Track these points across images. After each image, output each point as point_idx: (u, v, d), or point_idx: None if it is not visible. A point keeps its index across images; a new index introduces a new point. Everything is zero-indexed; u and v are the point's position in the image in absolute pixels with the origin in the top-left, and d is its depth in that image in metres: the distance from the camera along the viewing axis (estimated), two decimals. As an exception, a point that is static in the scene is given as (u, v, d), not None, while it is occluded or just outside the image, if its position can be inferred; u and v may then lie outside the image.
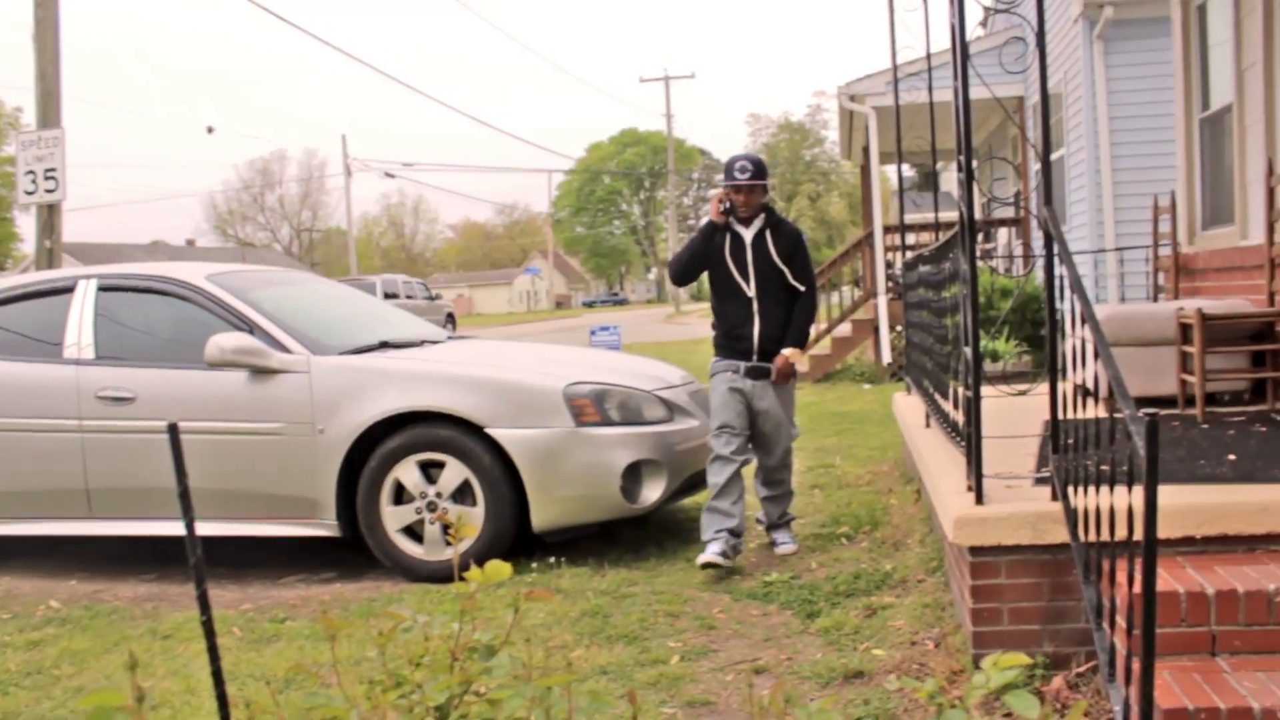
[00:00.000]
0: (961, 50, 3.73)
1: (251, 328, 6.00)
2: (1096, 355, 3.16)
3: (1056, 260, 3.71)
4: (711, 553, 5.35)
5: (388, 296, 31.12)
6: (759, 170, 5.66)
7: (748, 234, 5.65)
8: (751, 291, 5.62)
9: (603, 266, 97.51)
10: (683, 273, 5.86)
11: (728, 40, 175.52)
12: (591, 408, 5.71)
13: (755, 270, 5.62)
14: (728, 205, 5.65)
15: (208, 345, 5.83)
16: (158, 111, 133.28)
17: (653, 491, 5.80)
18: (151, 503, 5.92)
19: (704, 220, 5.82)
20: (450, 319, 36.54)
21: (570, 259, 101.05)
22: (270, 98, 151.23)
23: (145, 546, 6.35)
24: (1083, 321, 3.35)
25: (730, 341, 5.69)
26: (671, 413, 5.99)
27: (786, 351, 5.63)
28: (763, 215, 5.69)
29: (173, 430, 1.87)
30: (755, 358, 5.62)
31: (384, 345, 6.35)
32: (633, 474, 5.73)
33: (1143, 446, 2.48)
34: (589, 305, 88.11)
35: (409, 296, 33.97)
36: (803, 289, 5.71)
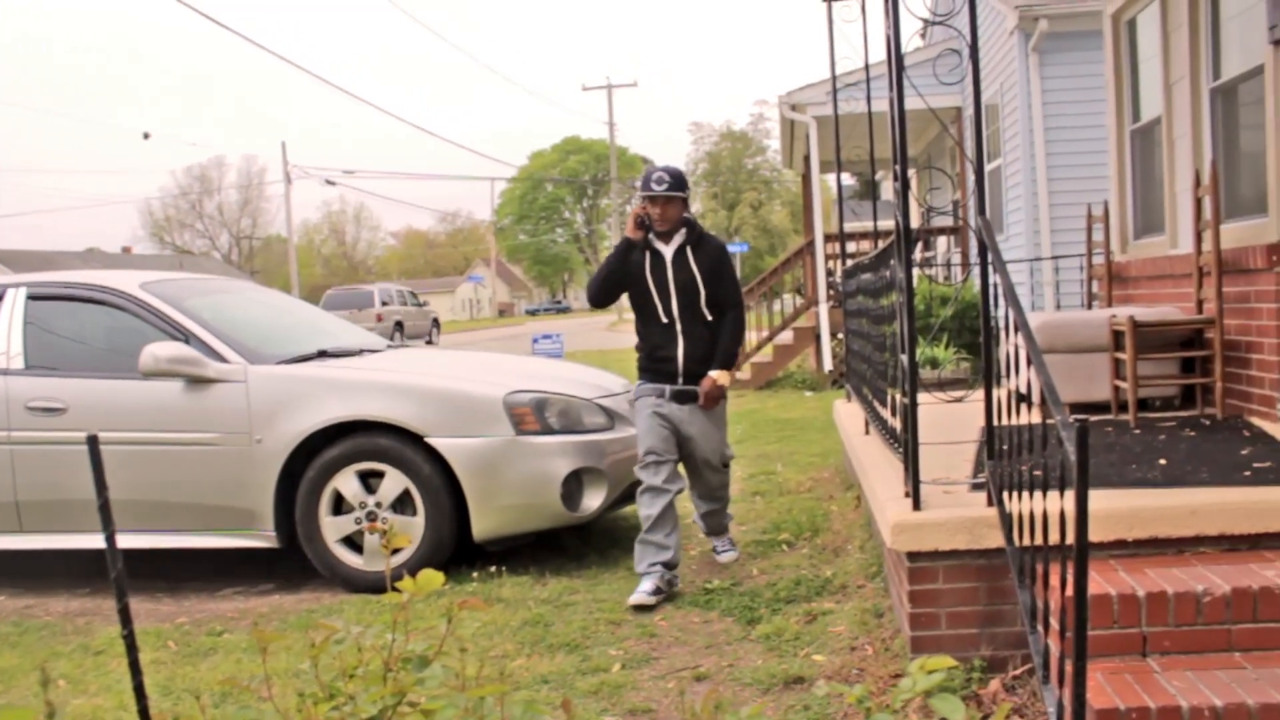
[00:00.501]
0: (897, 62, 3.77)
1: (187, 337, 5.92)
2: (1030, 362, 3.20)
3: (991, 269, 3.76)
4: (643, 593, 5.08)
5: (384, 304, 33.69)
6: (677, 182, 5.30)
7: (667, 250, 5.34)
8: (674, 311, 5.33)
9: (546, 274, 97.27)
10: (599, 294, 5.50)
11: (671, 49, 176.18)
12: (532, 416, 5.70)
13: (677, 289, 5.31)
14: (645, 220, 5.33)
15: (142, 355, 5.74)
16: (92, 116, 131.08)
17: (594, 499, 5.80)
18: (84, 516, 5.81)
19: (621, 239, 5.45)
20: (435, 324, 38.60)
21: (513, 267, 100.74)
22: (209, 103, 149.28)
23: (78, 561, 6.22)
24: (1016, 329, 3.40)
25: (654, 364, 5.40)
26: (612, 420, 5.99)
27: (713, 374, 5.34)
28: (683, 230, 5.36)
29: (92, 442, 1.84)
30: (680, 380, 5.34)
31: (323, 354, 6.29)
32: (574, 482, 5.72)
33: (1073, 452, 2.52)
34: (532, 313, 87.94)
35: (402, 303, 35.87)
36: (729, 307, 5.42)
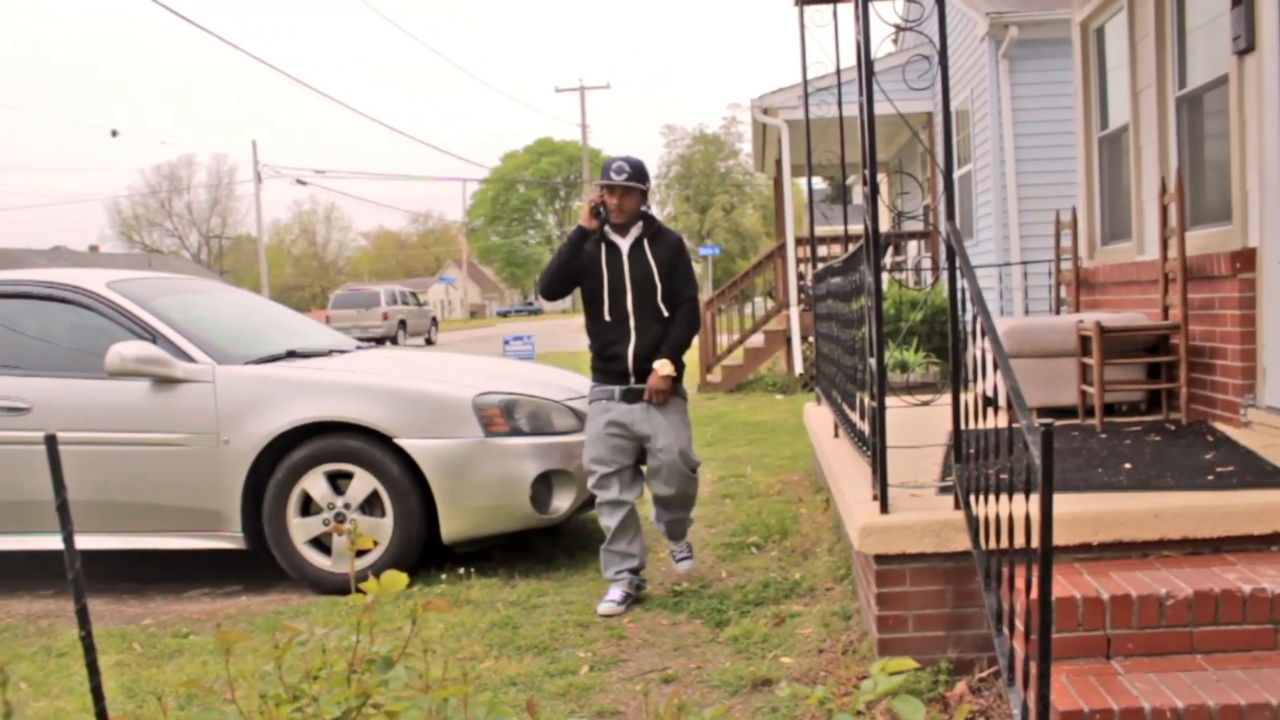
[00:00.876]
0: (866, 67, 3.79)
1: (154, 336, 5.87)
2: (996, 366, 3.23)
3: (959, 274, 3.78)
4: (611, 602, 5.07)
5: (390, 304, 36.52)
6: (637, 173, 5.13)
7: (624, 243, 5.17)
8: (628, 307, 5.14)
9: (517, 276, 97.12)
10: (552, 285, 5.27)
11: (644, 52, 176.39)
12: (501, 418, 5.69)
13: (633, 284, 5.13)
14: (600, 210, 5.16)
15: (108, 354, 5.69)
16: (58, 113, 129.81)
17: (563, 501, 5.80)
18: (48, 516, 5.75)
19: (574, 228, 5.26)
20: (434, 322, 41.00)
21: (485, 268, 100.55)
22: (178, 102, 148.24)
23: (41, 562, 6.17)
24: (983, 334, 3.42)
25: (604, 362, 5.22)
26: (582, 422, 5.98)
27: (657, 364, 5.10)
28: (640, 223, 5.20)
29: (50, 442, 1.82)
30: (632, 380, 5.16)
31: (291, 355, 6.26)
32: (543, 484, 5.72)
33: (1038, 456, 2.54)
34: (504, 315, 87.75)
35: (404, 304, 38.15)
36: (682, 301, 5.23)
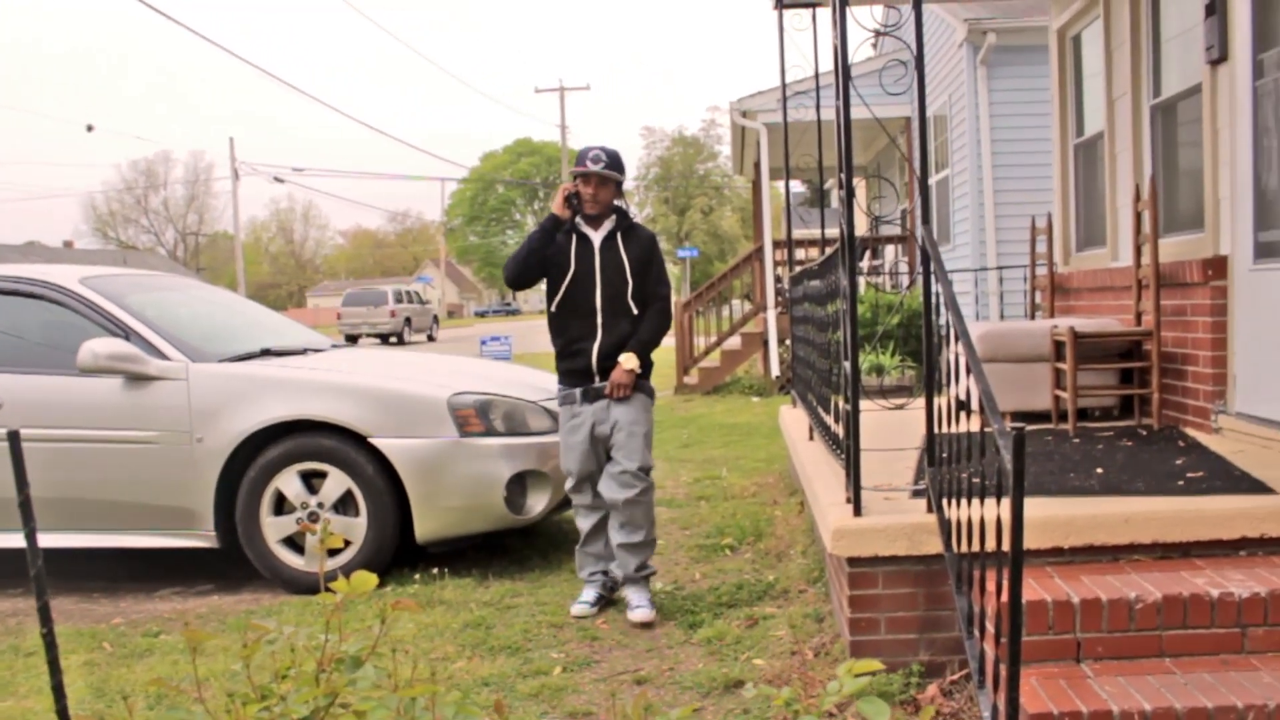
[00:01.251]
0: (843, 72, 3.81)
1: (128, 333, 5.84)
2: (969, 371, 3.24)
3: (934, 278, 3.80)
4: (584, 604, 5.04)
5: (397, 302, 38.70)
6: (613, 162, 4.97)
7: (596, 236, 4.98)
8: (597, 302, 4.95)
9: (495, 276, 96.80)
10: (520, 273, 5.03)
11: (624, 53, 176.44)
12: (476, 418, 5.68)
13: (603, 278, 4.95)
14: (574, 200, 4.97)
15: (80, 351, 5.65)
16: (32, 106, 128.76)
17: (537, 502, 5.79)
18: (16, 514, 5.71)
19: (546, 215, 5.06)
20: (435, 320, 43.03)
21: (463, 268, 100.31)
22: (155, 97, 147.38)
23: (10, 560, 6.11)
24: (956, 338, 3.44)
25: (567, 360, 5.03)
26: (557, 423, 5.98)
27: (622, 358, 4.91)
28: (614, 216, 5.03)
29: (13, 438, 1.81)
30: (595, 378, 4.98)
31: (266, 353, 6.23)
32: (517, 485, 5.71)
33: (1010, 460, 2.55)
34: (481, 315, 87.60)
35: (410, 302, 40.55)
36: (655, 299, 5.06)
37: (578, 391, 5.01)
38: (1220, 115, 5.44)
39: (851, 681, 1.34)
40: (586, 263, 4.97)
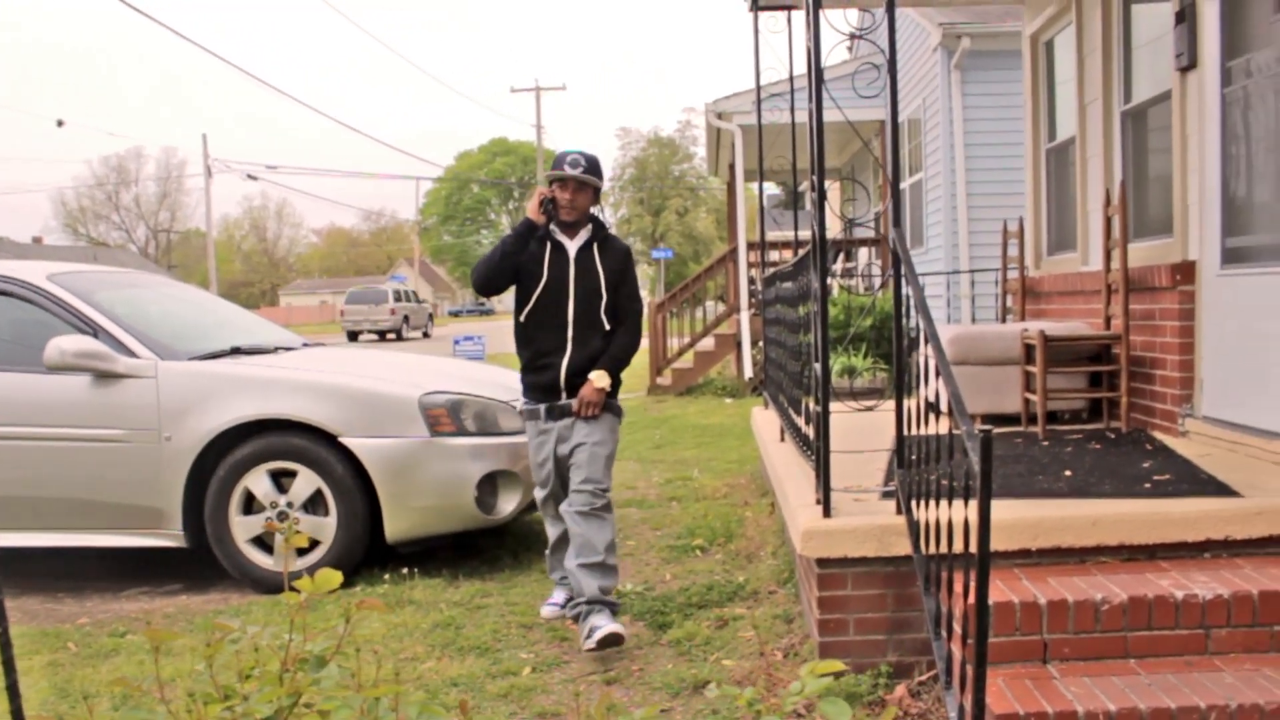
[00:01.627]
0: (816, 75, 3.82)
1: (96, 330, 5.79)
2: (939, 373, 3.26)
3: (904, 281, 3.82)
4: (553, 605, 5.00)
5: (396, 301, 41.33)
6: (592, 167, 4.75)
7: (572, 245, 4.74)
8: (569, 315, 4.70)
9: (470, 276, 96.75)
10: (490, 278, 4.77)
11: (601, 54, 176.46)
12: (447, 418, 5.66)
13: (576, 290, 4.70)
14: (549, 206, 4.73)
15: (47, 348, 5.60)
16: (1, 101, 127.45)
17: (508, 503, 5.78)
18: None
19: (520, 219, 4.83)
20: (430, 318, 45.95)
21: (437, 267, 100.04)
22: (127, 93, 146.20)
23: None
24: (925, 341, 3.46)
25: (534, 373, 4.78)
26: (529, 424, 5.99)
27: (593, 375, 4.68)
28: (590, 225, 4.81)
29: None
30: (563, 395, 4.74)
31: (236, 351, 6.19)
32: (488, 485, 5.70)
33: (977, 462, 2.56)
34: (456, 314, 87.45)
35: (408, 301, 43.34)
36: (627, 315, 4.84)
37: (543, 408, 4.78)
38: (1189, 122, 5.49)
39: (814, 682, 1.35)
40: (560, 272, 4.71)
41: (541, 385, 4.76)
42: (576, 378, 4.71)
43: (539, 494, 4.97)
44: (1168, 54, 5.71)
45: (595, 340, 4.74)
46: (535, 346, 4.77)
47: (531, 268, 4.72)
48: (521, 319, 4.79)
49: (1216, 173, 5.24)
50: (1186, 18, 5.44)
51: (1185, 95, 5.52)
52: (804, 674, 1.37)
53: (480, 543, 6.28)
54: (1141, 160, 6.40)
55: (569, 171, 4.68)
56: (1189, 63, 5.44)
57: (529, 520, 6.81)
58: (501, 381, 6.43)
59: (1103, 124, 6.65)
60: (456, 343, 17.55)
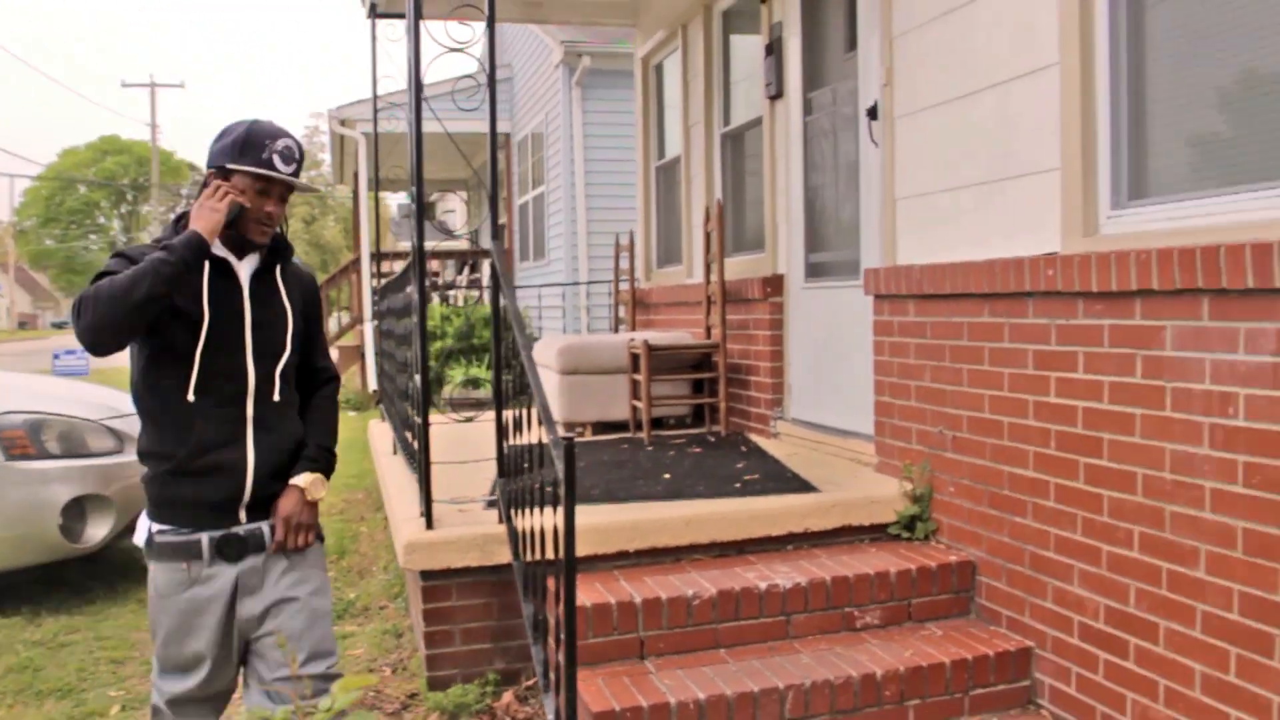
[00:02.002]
0: (416, 87, 3.81)
1: None
2: (527, 387, 3.32)
3: (500, 294, 3.86)
4: None
5: None
6: (300, 167, 2.89)
7: (243, 269, 2.80)
8: (249, 377, 2.74)
9: (76, 284, 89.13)
10: (115, 324, 2.51)
11: (228, 55, 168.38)
12: (26, 439, 5.19)
13: (255, 336, 2.77)
14: (238, 210, 2.72)
15: None
16: None
17: (99, 529, 5.36)
18: None
19: (183, 235, 2.64)
20: None
21: (38, 275, 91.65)
22: None
23: None
24: (514, 354, 3.51)
25: (189, 481, 2.70)
26: (122, 442, 5.57)
27: (300, 480, 2.82)
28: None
29: None
30: (243, 514, 2.75)
31: None
32: (75, 510, 5.28)
33: (561, 468, 2.63)
34: (59, 326, 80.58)
35: None
36: (326, 378, 3.03)
37: (204, 540, 2.71)
38: (778, 146, 5.91)
39: (344, 697, 1.33)
40: (228, 310, 2.75)
41: (203, 501, 2.72)
42: (267, 481, 2.78)
43: (180, 688, 2.76)
44: (761, 83, 6.12)
45: (289, 419, 2.87)
46: (188, 435, 2.68)
47: (184, 307, 2.67)
48: (157, 385, 2.72)
49: (800, 193, 5.67)
50: (775, 50, 5.86)
51: (774, 122, 5.93)
52: (335, 690, 1.35)
53: (67, 574, 5.78)
54: (740, 180, 6.83)
55: (281, 171, 2.76)
56: (776, 92, 5.86)
57: (125, 546, 6.34)
58: (92, 399, 5.97)
59: (704, 145, 7.04)
60: (56, 357, 16.17)
